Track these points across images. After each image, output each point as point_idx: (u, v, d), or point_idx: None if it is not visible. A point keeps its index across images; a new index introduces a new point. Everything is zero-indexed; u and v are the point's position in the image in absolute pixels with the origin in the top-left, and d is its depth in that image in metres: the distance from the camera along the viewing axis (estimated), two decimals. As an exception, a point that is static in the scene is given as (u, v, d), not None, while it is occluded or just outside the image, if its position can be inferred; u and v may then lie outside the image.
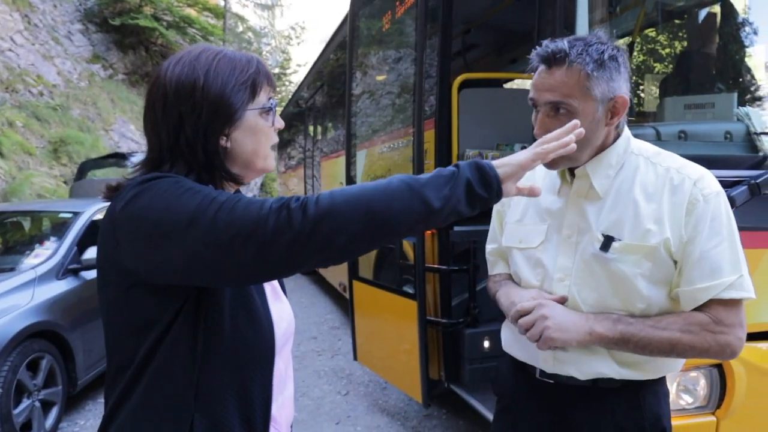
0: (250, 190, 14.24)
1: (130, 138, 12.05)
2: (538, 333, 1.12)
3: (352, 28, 3.79)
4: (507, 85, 5.22)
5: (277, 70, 17.97)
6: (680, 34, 3.19)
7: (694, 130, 2.07)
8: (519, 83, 5.57)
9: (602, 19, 2.10)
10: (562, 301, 1.18)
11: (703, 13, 2.97)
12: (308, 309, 6.45)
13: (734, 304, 1.12)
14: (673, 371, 1.25)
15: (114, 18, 13.23)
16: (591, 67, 1.08)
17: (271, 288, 0.98)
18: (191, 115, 0.86)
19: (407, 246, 3.12)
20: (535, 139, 1.02)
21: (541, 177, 1.30)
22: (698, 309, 1.13)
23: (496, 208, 1.41)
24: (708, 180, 1.14)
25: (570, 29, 1.98)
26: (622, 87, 1.13)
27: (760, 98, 2.68)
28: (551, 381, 1.24)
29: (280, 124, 0.96)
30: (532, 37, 5.15)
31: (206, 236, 0.74)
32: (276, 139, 0.96)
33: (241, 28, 18.58)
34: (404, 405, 3.63)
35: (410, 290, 3.00)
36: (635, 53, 2.91)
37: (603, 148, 1.18)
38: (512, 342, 1.33)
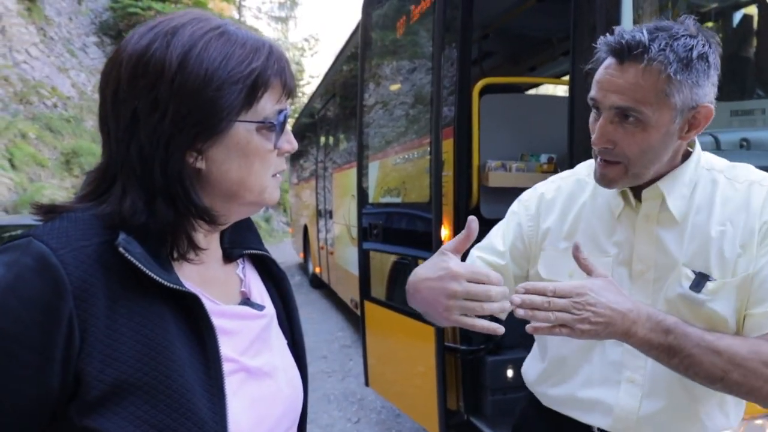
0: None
1: (143, 150, 12.05)
2: (577, 320, 0.83)
3: (364, 35, 3.60)
4: (530, 92, 5.01)
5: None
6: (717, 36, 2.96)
7: (758, 137, 1.82)
8: (542, 89, 5.35)
9: (647, 17, 1.87)
10: None
11: (738, 15, 2.77)
12: (319, 325, 6.22)
13: None
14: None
15: (128, 30, 13.31)
16: (675, 67, 0.86)
17: (244, 369, 0.67)
18: (150, 116, 0.60)
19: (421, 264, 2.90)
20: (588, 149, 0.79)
21: (590, 194, 1.08)
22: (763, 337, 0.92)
23: (520, 216, 1.15)
24: None
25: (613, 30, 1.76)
26: (708, 94, 0.91)
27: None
28: None
29: (291, 146, 0.69)
30: (552, 43, 4.88)
31: None
32: (283, 167, 0.70)
33: (255, 41, 18.70)
34: (419, 435, 3.38)
35: (426, 313, 2.76)
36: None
37: (672, 165, 0.98)
38: (567, 394, 1.06)
